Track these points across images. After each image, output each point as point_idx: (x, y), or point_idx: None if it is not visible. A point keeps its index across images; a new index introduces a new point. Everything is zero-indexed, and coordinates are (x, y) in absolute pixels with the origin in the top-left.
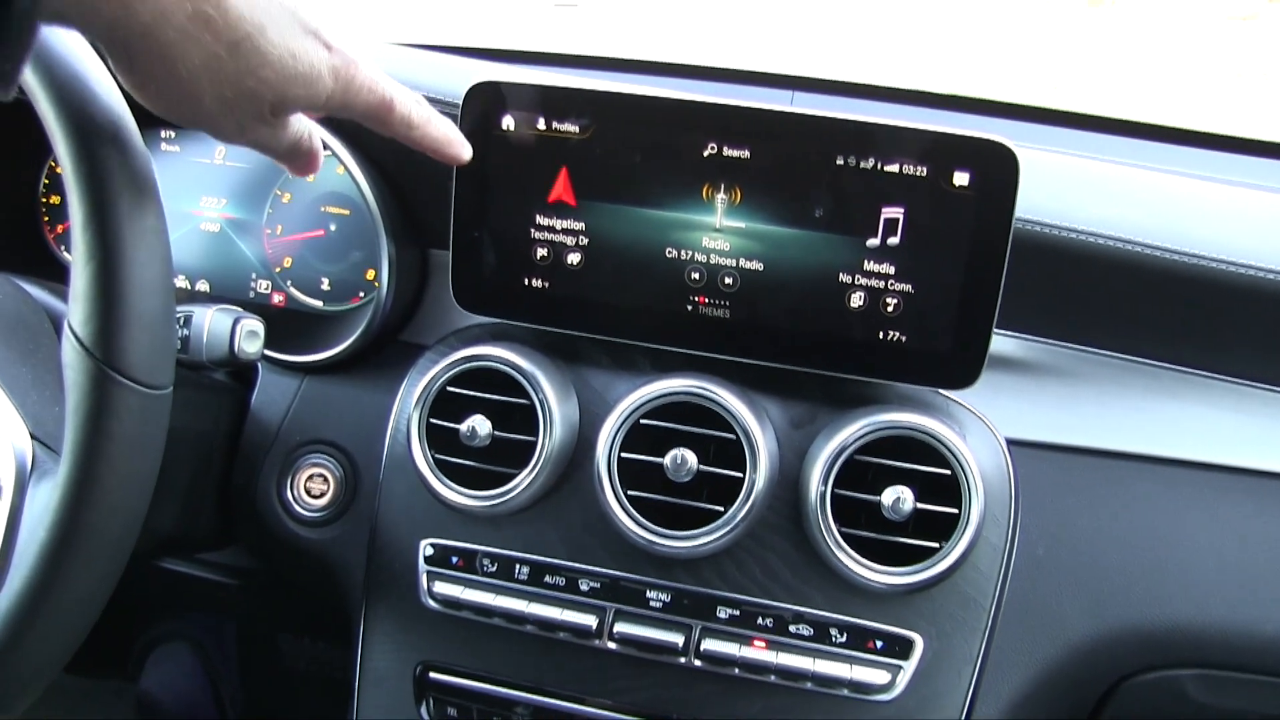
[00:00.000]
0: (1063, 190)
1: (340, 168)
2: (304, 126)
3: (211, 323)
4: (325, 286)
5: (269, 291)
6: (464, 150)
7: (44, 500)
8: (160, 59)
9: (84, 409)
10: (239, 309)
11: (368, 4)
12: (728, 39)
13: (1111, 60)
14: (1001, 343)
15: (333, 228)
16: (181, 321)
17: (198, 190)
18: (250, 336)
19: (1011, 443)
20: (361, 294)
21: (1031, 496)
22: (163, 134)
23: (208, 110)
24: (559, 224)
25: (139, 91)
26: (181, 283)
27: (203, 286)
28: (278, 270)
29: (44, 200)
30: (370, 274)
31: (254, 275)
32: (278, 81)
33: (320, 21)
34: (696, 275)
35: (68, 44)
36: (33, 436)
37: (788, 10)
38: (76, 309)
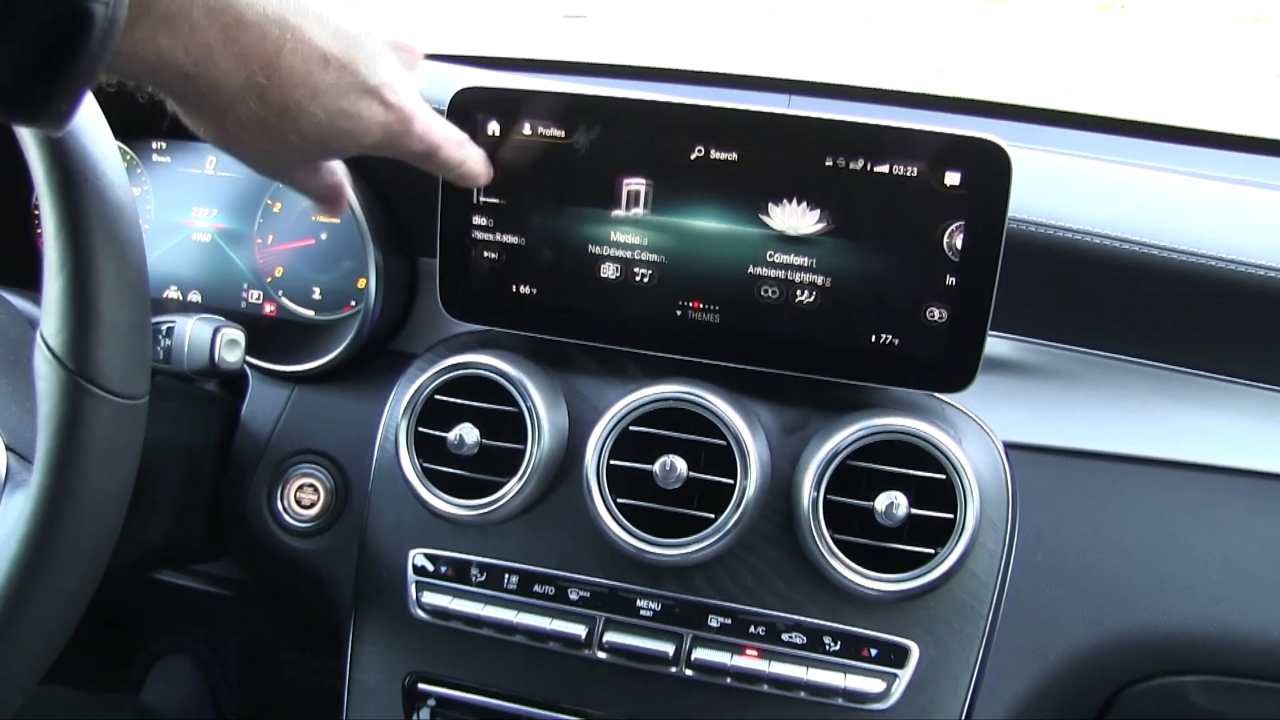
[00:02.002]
0: (1058, 189)
1: None
2: (336, 167)
3: (193, 332)
4: (317, 296)
5: (260, 301)
6: (474, 178)
7: (16, 512)
8: (211, 114)
9: (56, 419)
10: (220, 318)
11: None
12: (733, 45)
13: (1121, 64)
14: (997, 345)
15: (324, 236)
16: (164, 332)
17: (189, 200)
18: (230, 345)
19: (1009, 446)
20: (353, 303)
21: (1030, 501)
22: (154, 145)
23: (249, 157)
24: None
25: (188, 124)
26: (173, 293)
27: (194, 297)
28: (269, 280)
29: (37, 212)
30: (362, 283)
31: (245, 285)
32: (321, 138)
33: (386, 76)
34: None
35: None
36: (8, 448)
37: (796, 16)
38: (48, 319)
